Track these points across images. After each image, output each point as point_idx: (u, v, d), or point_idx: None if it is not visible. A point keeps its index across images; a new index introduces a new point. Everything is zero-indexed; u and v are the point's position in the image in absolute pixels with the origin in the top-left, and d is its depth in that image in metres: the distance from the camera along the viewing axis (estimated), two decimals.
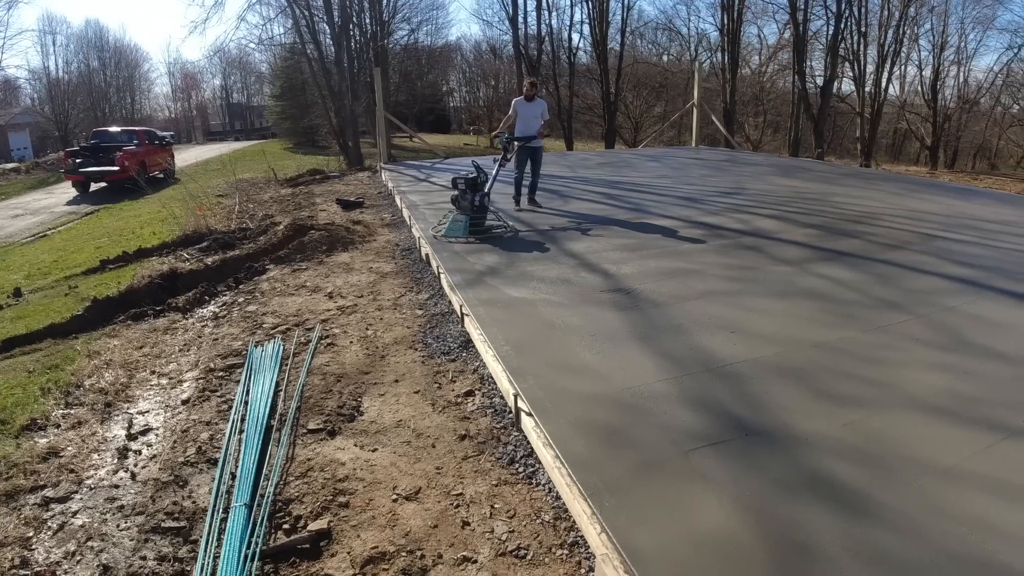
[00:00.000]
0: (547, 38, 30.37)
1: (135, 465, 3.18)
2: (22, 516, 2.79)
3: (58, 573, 2.45)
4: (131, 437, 3.46)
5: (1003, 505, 2.45)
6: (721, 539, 2.28)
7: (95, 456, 3.27)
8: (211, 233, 8.50)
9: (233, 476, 2.99)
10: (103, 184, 17.97)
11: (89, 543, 2.61)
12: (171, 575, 2.42)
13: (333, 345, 4.55)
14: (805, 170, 13.07)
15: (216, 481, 2.95)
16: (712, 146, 20.46)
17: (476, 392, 3.78)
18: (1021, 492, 2.53)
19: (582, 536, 2.50)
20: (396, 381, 3.97)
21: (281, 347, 4.45)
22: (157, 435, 3.49)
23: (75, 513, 2.81)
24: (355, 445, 3.25)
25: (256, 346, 4.51)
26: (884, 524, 2.34)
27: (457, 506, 2.76)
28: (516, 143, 8.07)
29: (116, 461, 3.22)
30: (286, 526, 2.65)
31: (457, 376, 4.01)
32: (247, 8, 34.83)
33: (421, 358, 4.30)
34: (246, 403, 3.68)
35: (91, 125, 34.02)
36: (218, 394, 3.90)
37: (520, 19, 29.32)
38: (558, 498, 2.75)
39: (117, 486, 3.01)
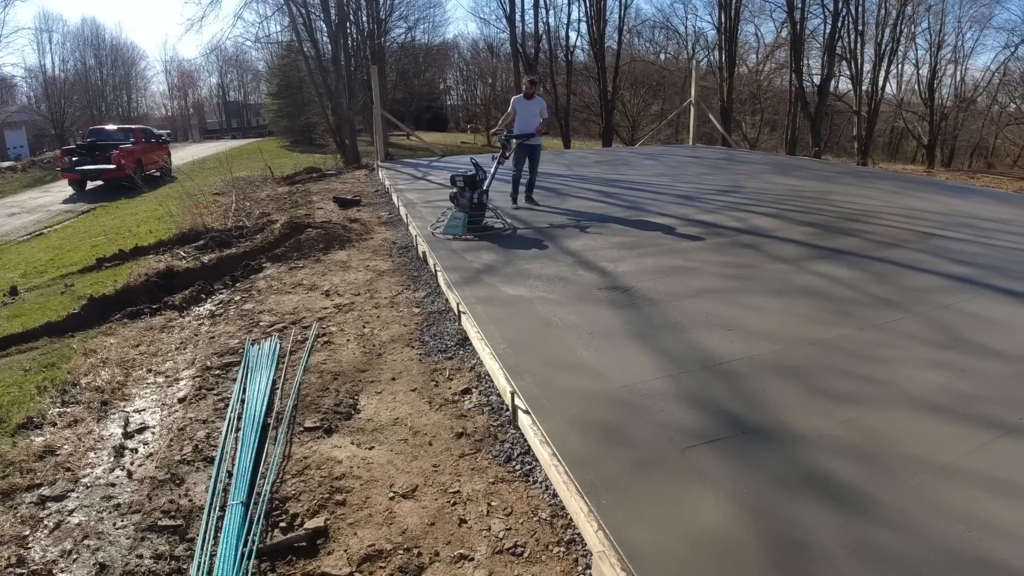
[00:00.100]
0: (544, 36, 30.42)
1: (131, 463, 3.17)
2: (18, 515, 2.78)
3: (54, 572, 2.44)
4: (127, 435, 3.45)
5: (1000, 502, 2.46)
6: (718, 536, 2.28)
7: (91, 454, 3.27)
8: (208, 231, 8.49)
9: (230, 474, 2.99)
10: (99, 182, 17.92)
11: (85, 542, 2.61)
12: (168, 573, 2.42)
13: (330, 343, 4.55)
14: (802, 168, 13.09)
15: (213, 479, 2.95)
16: (709, 144, 20.48)
17: (473, 390, 3.77)
18: (1018, 489, 2.53)
19: (579, 534, 2.50)
20: (393, 379, 3.97)
21: (278, 345, 4.44)
22: (153, 433, 3.48)
23: (71, 512, 2.81)
24: (352, 443, 3.25)
25: (253, 344, 4.51)
26: (881, 521, 2.34)
27: (454, 504, 2.75)
28: (515, 141, 8.07)
29: (112, 459, 3.21)
30: (283, 524, 2.65)
31: (454, 374, 4.00)
32: (244, 6, 34.66)
33: (418, 356, 4.30)
34: (243, 401, 3.68)
35: (87, 123, 33.93)
36: (215, 392, 3.90)
37: (517, 17, 29.39)
38: (555, 496, 2.75)
39: (113, 484, 3.00)
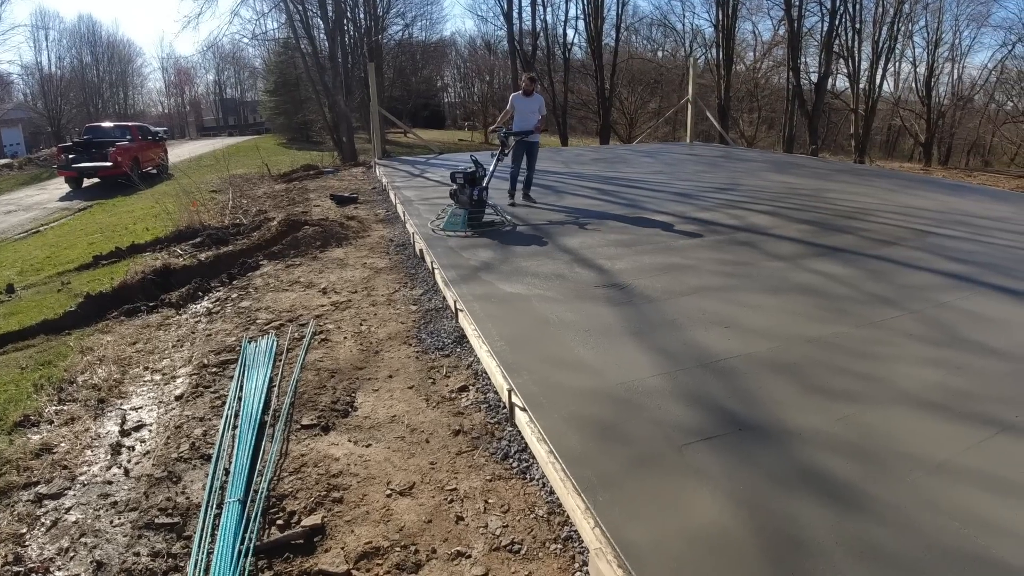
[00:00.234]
0: (542, 34, 30.41)
1: (128, 461, 3.17)
2: (15, 513, 2.78)
3: (52, 570, 2.44)
4: (124, 433, 3.44)
5: (996, 500, 2.47)
6: (715, 533, 2.29)
7: (88, 452, 3.26)
8: (204, 229, 8.46)
9: (227, 472, 2.98)
10: (96, 180, 17.86)
11: (83, 539, 2.60)
12: (165, 571, 2.42)
13: (327, 341, 4.54)
14: (799, 166, 13.10)
15: (210, 477, 2.94)
16: (707, 142, 20.48)
17: (470, 387, 3.78)
18: (1013, 487, 2.54)
19: (576, 531, 2.50)
20: (390, 376, 3.97)
21: (275, 343, 4.44)
22: (150, 431, 3.48)
23: (68, 510, 2.80)
24: (349, 441, 3.25)
25: (250, 342, 4.50)
26: (877, 518, 2.35)
27: (451, 501, 2.76)
28: (513, 137, 8.08)
29: (109, 457, 3.21)
30: (280, 522, 2.65)
31: (451, 371, 4.00)
32: (240, 3, 34.82)
33: (415, 353, 4.30)
34: (240, 399, 3.67)
35: (84, 120, 33.80)
36: (211, 390, 3.89)
37: (515, 14, 29.41)
38: (552, 493, 2.75)
39: (110, 482, 3.00)
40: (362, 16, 26.92)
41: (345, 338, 4.58)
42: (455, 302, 4.78)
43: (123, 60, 52.15)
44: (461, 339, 4.43)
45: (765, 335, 4.07)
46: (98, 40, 48.68)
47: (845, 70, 27.75)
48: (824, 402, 3.22)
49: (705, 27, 38.84)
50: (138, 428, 3.51)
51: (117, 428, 3.49)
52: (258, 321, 4.97)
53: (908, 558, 2.17)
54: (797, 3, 25.24)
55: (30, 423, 3.58)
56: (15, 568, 2.44)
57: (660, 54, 38.78)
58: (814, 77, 26.90)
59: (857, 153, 26.42)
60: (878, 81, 27.82)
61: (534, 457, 2.99)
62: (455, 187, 7.18)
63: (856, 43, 26.81)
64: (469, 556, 2.44)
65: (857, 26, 26.41)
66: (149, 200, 12.72)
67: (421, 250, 6.49)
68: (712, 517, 2.37)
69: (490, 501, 2.75)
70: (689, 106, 18.46)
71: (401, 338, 4.56)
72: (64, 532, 2.65)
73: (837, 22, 25.21)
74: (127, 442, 3.36)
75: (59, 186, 18.25)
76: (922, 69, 30.68)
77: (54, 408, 3.75)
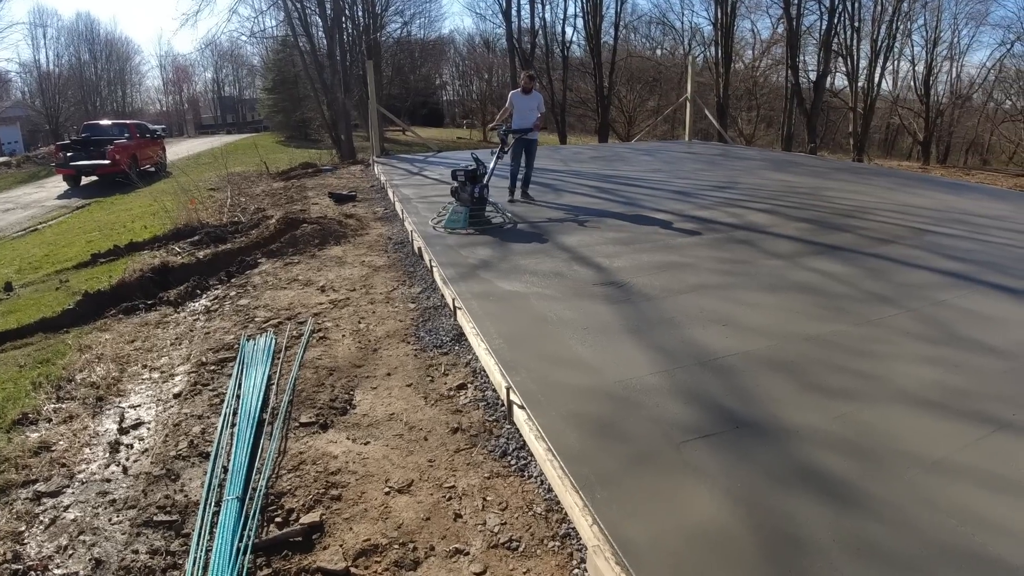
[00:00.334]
0: (541, 31, 30.36)
1: (127, 459, 3.17)
2: (14, 511, 2.78)
3: (50, 567, 2.44)
4: (123, 431, 3.44)
5: (993, 497, 2.47)
6: (712, 531, 2.29)
7: (87, 450, 3.26)
8: (203, 227, 8.45)
9: (225, 470, 2.99)
10: (94, 178, 17.85)
11: (81, 537, 2.61)
12: (163, 568, 2.42)
13: (325, 339, 4.54)
14: (798, 165, 13.10)
15: (208, 475, 2.95)
16: (705, 140, 20.49)
17: (468, 385, 3.78)
18: (1011, 484, 2.55)
19: (574, 528, 2.51)
20: (388, 374, 3.97)
21: (273, 341, 4.44)
22: (149, 429, 3.48)
23: (67, 507, 2.80)
24: (347, 438, 3.25)
25: (248, 340, 4.50)
26: (874, 516, 2.36)
27: (449, 499, 2.76)
28: (513, 135, 8.08)
29: (108, 455, 3.21)
30: (278, 519, 2.65)
31: (449, 369, 4.01)
32: (239, 0, 34.60)
33: (413, 351, 4.30)
34: (238, 397, 3.67)
35: (82, 118, 33.76)
36: (210, 388, 3.89)
37: (514, 12, 29.31)
38: (550, 490, 2.76)
39: (109, 480, 3.00)
40: (360, 14, 26.86)
41: (343, 336, 4.58)
42: (453, 300, 4.78)
43: (121, 58, 52.10)
44: (459, 337, 4.43)
45: (763, 333, 4.08)
46: (96, 38, 48.67)
47: (844, 68, 27.77)
48: (822, 400, 3.23)
49: (704, 25, 38.93)
50: (136, 426, 3.51)
51: (115, 426, 3.49)
52: (256, 319, 4.97)
53: (905, 555, 2.17)
54: (796, 1, 25.27)
55: (28, 421, 3.57)
56: (14, 566, 2.44)
57: (659, 52, 38.82)
58: (813, 75, 26.95)
59: (855, 151, 26.43)
60: (877, 79, 27.86)
61: (532, 455, 2.99)
62: (456, 185, 7.16)
63: (855, 41, 26.84)
64: (467, 553, 2.44)
65: (856, 24, 26.42)
66: (147, 198, 12.71)
67: (419, 248, 6.49)
68: (710, 514, 2.38)
69: (488, 498, 2.76)
70: (688, 104, 18.45)
71: (399, 336, 4.56)
72: (63, 530, 2.65)
73: (836, 20, 25.24)
74: (125, 440, 3.36)
75: (57, 184, 18.24)
76: (921, 67, 30.78)
77: (52, 406, 3.74)
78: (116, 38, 52.34)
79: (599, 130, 29.51)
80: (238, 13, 58.46)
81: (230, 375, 4.01)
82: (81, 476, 3.04)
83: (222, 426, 3.37)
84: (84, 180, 17.93)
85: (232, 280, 6.16)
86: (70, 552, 2.52)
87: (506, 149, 8.05)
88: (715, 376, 3.47)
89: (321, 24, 21.01)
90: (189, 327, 5.01)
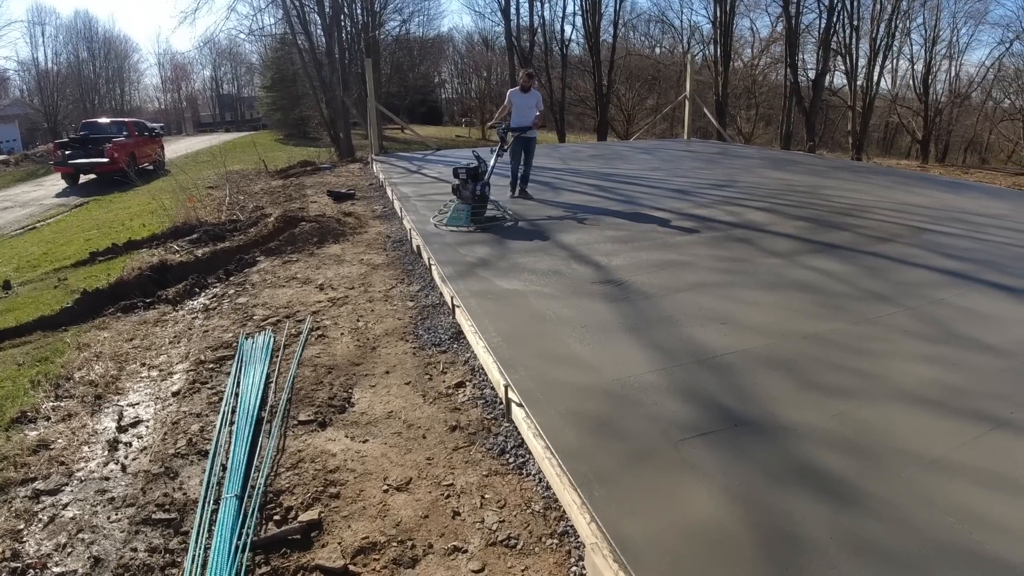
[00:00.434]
0: (539, 29, 30.34)
1: (125, 457, 3.17)
2: (13, 508, 2.78)
3: (49, 565, 2.44)
4: (121, 429, 3.44)
5: (990, 495, 2.48)
6: (710, 528, 2.30)
7: (85, 448, 3.26)
8: (201, 225, 8.45)
9: (224, 468, 2.99)
10: (92, 176, 17.83)
11: (80, 535, 2.61)
12: (162, 566, 2.42)
13: (324, 337, 4.54)
14: (796, 163, 13.11)
15: (207, 473, 2.95)
16: (704, 139, 20.49)
17: (467, 383, 3.78)
18: (1008, 483, 2.56)
19: (572, 526, 2.51)
20: (387, 372, 3.97)
21: (272, 339, 4.44)
22: (147, 427, 3.48)
23: (66, 505, 2.81)
24: (346, 436, 3.25)
25: (247, 338, 4.50)
26: (872, 514, 2.36)
27: (448, 496, 2.76)
28: (512, 133, 8.08)
29: (106, 453, 3.21)
30: (277, 517, 2.66)
31: (448, 367, 4.01)
32: None
33: (412, 349, 4.30)
34: (236, 395, 3.67)
35: (80, 116, 33.72)
36: (208, 386, 3.89)
37: (512, 10, 29.28)
38: (548, 488, 2.76)
39: (107, 478, 3.00)
40: (359, 12, 26.79)
41: (342, 334, 4.58)
42: (452, 298, 4.78)
43: (119, 56, 52.05)
44: (458, 335, 4.44)
45: (761, 331, 4.08)
46: (94, 36, 48.62)
47: (843, 67, 27.79)
48: (820, 398, 3.23)
49: (703, 23, 38.95)
50: (135, 424, 3.51)
51: (114, 424, 3.49)
52: (255, 317, 4.96)
53: (903, 553, 2.18)
54: (795, 0, 25.25)
55: (27, 419, 3.57)
56: (13, 564, 2.44)
57: (658, 50, 38.84)
58: (812, 74, 26.99)
59: (854, 150, 26.45)
60: (875, 78, 27.91)
61: (530, 452, 3.00)
62: (458, 182, 7.15)
63: (854, 40, 26.86)
64: (466, 551, 2.44)
65: (855, 23, 26.43)
66: (146, 196, 12.70)
67: (418, 246, 6.49)
68: (708, 512, 2.38)
69: (487, 496, 2.76)
70: (686, 102, 18.45)
71: (398, 334, 4.56)
72: (61, 528, 2.66)
73: (835, 19, 25.24)
74: (124, 438, 3.36)
75: (55, 182, 18.24)
76: (920, 66, 30.80)
77: (51, 404, 3.74)
78: (114, 36, 52.37)
79: (598, 128, 29.51)
80: (236, 11, 58.57)
81: (229, 373, 4.01)
82: (80, 474, 3.04)
83: (221, 424, 3.37)
84: (82, 178, 17.91)
85: (231, 278, 6.15)
86: (69, 550, 2.52)
87: (505, 147, 8.05)
88: (713, 374, 3.48)
89: (320, 22, 20.99)
90: (188, 325, 5.01)
